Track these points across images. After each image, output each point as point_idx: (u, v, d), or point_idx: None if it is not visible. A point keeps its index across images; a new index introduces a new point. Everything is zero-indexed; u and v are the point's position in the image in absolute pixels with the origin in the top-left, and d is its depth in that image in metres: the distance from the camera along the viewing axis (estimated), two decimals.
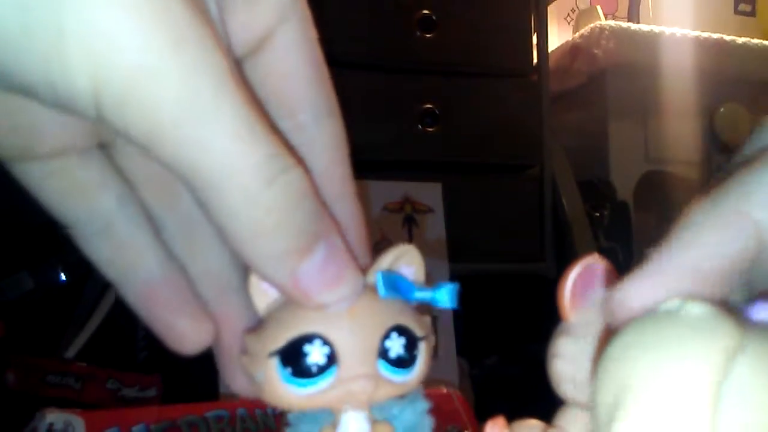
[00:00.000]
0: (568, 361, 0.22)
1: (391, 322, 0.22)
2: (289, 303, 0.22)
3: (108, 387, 0.64)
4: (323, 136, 0.24)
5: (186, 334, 0.23)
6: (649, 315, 0.15)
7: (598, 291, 0.22)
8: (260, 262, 0.20)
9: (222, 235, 0.19)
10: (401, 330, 0.23)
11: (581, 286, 0.23)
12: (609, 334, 0.16)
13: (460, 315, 0.89)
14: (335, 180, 0.24)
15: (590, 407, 0.15)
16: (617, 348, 0.15)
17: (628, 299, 0.17)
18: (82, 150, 0.21)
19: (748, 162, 0.17)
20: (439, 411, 0.50)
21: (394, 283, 0.23)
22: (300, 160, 0.20)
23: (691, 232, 0.17)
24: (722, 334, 0.14)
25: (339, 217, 0.23)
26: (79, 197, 0.22)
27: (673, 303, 0.15)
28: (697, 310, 0.15)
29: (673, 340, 0.14)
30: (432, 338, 0.24)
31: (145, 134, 0.17)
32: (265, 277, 0.21)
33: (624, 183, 1.06)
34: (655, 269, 0.17)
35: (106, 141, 0.22)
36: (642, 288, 0.17)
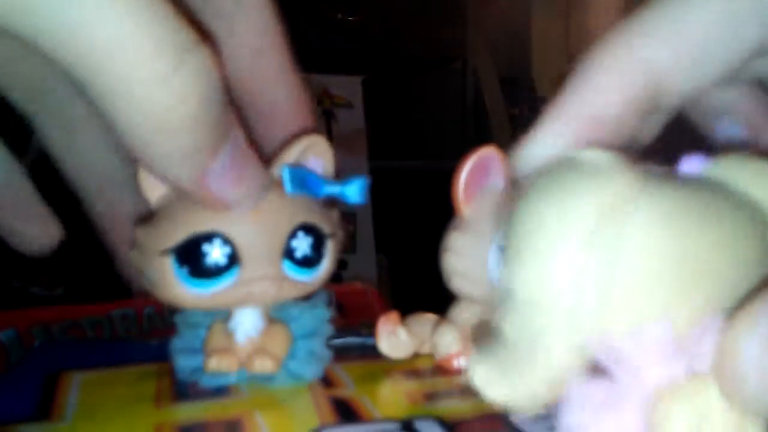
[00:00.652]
0: (459, 255, 0.23)
1: (297, 220, 0.21)
2: (184, 197, 0.20)
3: (12, 285, 0.61)
4: (247, 20, 0.22)
5: (31, 238, 0.22)
6: (546, 167, 0.15)
7: (493, 184, 0.22)
8: (162, 161, 0.17)
9: (116, 130, 0.17)
10: (308, 228, 0.22)
11: (475, 179, 0.23)
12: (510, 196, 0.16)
13: (380, 211, 0.89)
14: (264, 66, 0.22)
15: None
16: (518, 205, 0.15)
17: (529, 154, 0.17)
18: None
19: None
20: (354, 306, 0.50)
21: (301, 178, 0.22)
22: (209, 41, 0.17)
23: (586, 78, 0.16)
24: (613, 178, 0.14)
25: (274, 104, 0.22)
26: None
27: (571, 153, 0.15)
28: (590, 156, 0.14)
29: (557, 184, 0.14)
30: (340, 234, 0.23)
31: (29, 26, 0.15)
32: (163, 177, 0.19)
33: (544, 79, 1.06)
34: (553, 120, 0.17)
35: None
36: (542, 141, 0.17)
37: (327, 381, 0.23)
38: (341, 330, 0.28)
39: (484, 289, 0.22)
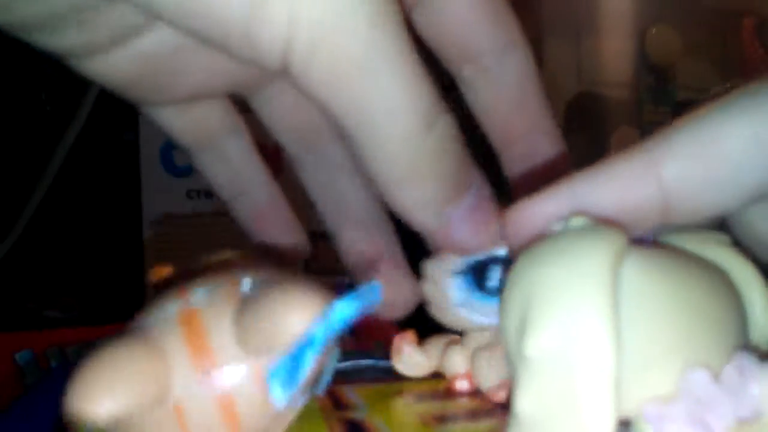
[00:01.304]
0: (431, 282, 0.23)
1: None
2: None
3: (27, 307, 0.62)
4: (508, 74, 0.24)
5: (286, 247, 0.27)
6: (542, 237, 0.16)
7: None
8: (411, 206, 0.20)
9: (374, 179, 0.19)
10: None
11: None
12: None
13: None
14: (525, 115, 0.24)
15: (500, 335, 0.15)
16: (515, 273, 0.15)
17: (517, 219, 0.18)
18: (215, 96, 0.24)
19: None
20: (367, 327, 0.51)
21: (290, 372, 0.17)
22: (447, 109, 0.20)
23: (598, 170, 0.17)
24: (603, 238, 0.14)
25: (531, 150, 0.24)
26: (199, 132, 0.25)
27: (559, 223, 0.16)
28: (579, 221, 0.15)
29: (562, 252, 0.14)
30: None
31: (323, 83, 0.17)
32: (412, 221, 0.21)
33: (556, 103, 1.06)
34: (554, 195, 0.17)
35: (248, 89, 0.24)
36: (533, 209, 0.17)
37: (339, 403, 0.23)
38: (354, 352, 0.28)
39: (452, 317, 0.23)
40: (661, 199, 0.16)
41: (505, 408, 0.22)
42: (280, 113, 0.26)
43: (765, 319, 0.15)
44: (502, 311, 0.15)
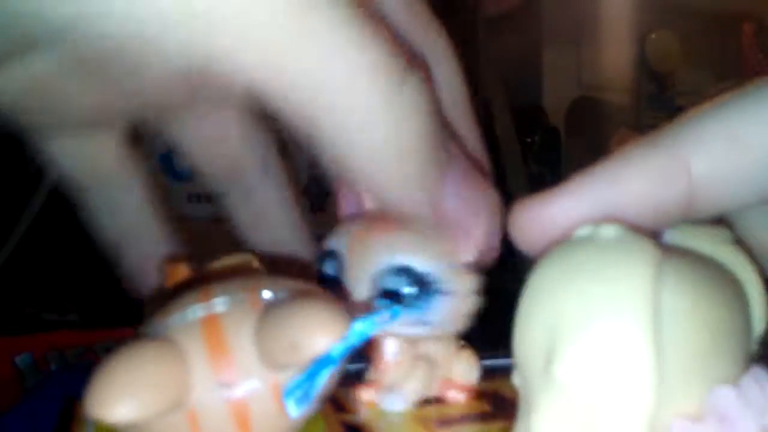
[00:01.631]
0: None
1: None
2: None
3: (27, 311, 0.61)
4: (443, 71, 0.24)
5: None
6: (565, 245, 0.14)
7: None
8: (400, 188, 0.18)
9: (345, 171, 0.17)
10: None
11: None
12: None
13: None
14: (457, 119, 0.24)
15: (516, 354, 0.14)
16: (538, 288, 0.14)
17: (528, 218, 0.16)
18: (111, 126, 0.22)
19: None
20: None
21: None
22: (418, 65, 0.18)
23: (621, 165, 0.16)
24: (644, 254, 0.13)
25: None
26: (90, 170, 0.23)
27: (586, 229, 0.15)
28: (612, 232, 0.14)
29: (599, 267, 0.13)
30: None
31: (257, 69, 0.16)
32: (403, 205, 0.18)
33: (556, 108, 1.07)
34: (572, 192, 0.16)
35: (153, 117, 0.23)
36: (550, 209, 0.16)
37: (340, 406, 0.23)
38: (355, 356, 0.28)
39: None
40: (688, 195, 0.15)
41: (502, 412, 0.22)
42: (200, 145, 0.24)
43: (759, 319, 0.15)
44: (520, 322, 0.14)
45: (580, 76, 1.08)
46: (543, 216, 0.16)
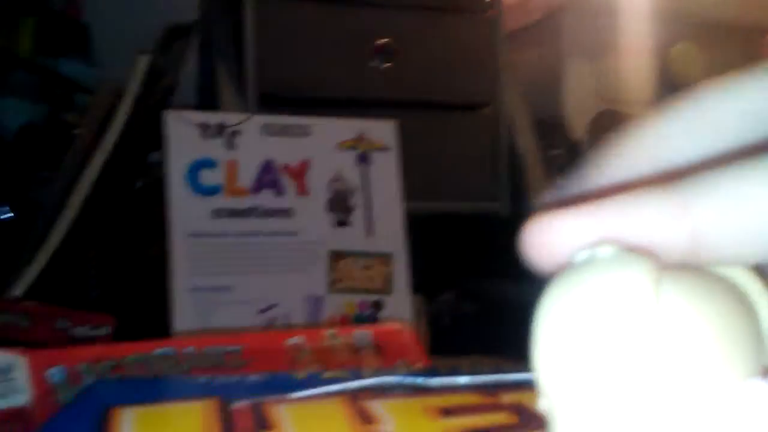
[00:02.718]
0: None
1: None
2: None
3: (58, 326, 0.63)
4: None
5: None
6: (566, 269, 0.15)
7: None
8: None
9: None
10: None
11: None
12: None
13: (415, 253, 0.90)
14: None
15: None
16: (543, 314, 0.14)
17: (538, 237, 0.16)
18: None
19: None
20: (391, 345, 0.51)
21: None
22: None
23: (630, 200, 0.16)
24: (643, 263, 0.14)
25: None
26: None
27: (584, 253, 0.15)
28: (608, 250, 0.14)
29: (596, 286, 0.14)
30: None
31: None
32: None
33: (578, 122, 1.07)
34: (578, 215, 0.16)
35: None
36: (558, 229, 0.16)
37: (367, 417, 0.23)
38: (381, 369, 0.29)
39: None
40: (690, 242, 0.15)
41: (528, 424, 0.22)
42: None
43: None
44: (533, 349, 0.14)
45: (602, 90, 1.08)
46: (549, 238, 0.16)
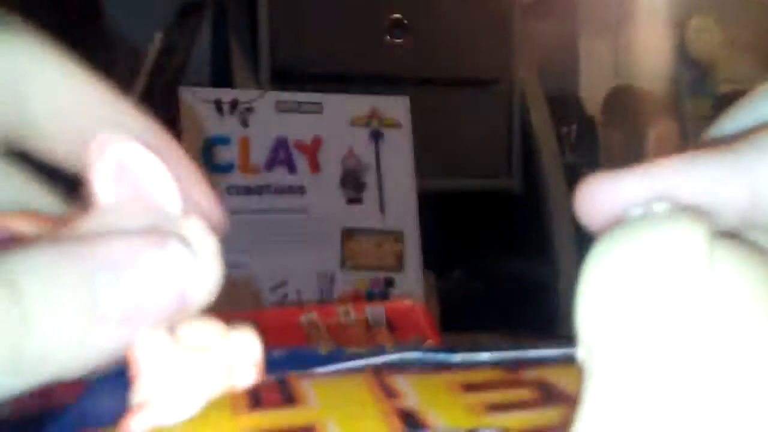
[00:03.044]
0: None
1: None
2: None
3: None
4: None
5: None
6: (620, 223, 0.15)
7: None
8: None
9: None
10: None
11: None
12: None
13: (427, 229, 0.90)
14: None
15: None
16: (595, 265, 0.14)
17: (593, 196, 0.16)
18: None
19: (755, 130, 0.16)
20: (403, 322, 0.51)
21: None
22: None
23: (687, 160, 0.16)
24: (697, 223, 0.14)
25: None
26: None
27: (638, 208, 0.15)
28: (663, 207, 0.14)
29: (651, 241, 0.14)
30: None
31: None
32: None
33: (593, 97, 1.06)
34: (635, 176, 0.16)
35: None
36: (613, 188, 0.16)
37: (391, 392, 0.23)
38: (399, 345, 0.29)
39: None
40: (749, 203, 0.15)
41: (552, 400, 0.22)
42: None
43: None
44: (579, 298, 0.14)
45: (618, 65, 1.07)
46: (606, 195, 0.16)
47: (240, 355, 0.19)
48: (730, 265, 0.13)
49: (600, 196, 0.16)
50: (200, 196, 0.18)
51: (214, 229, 0.17)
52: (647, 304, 0.13)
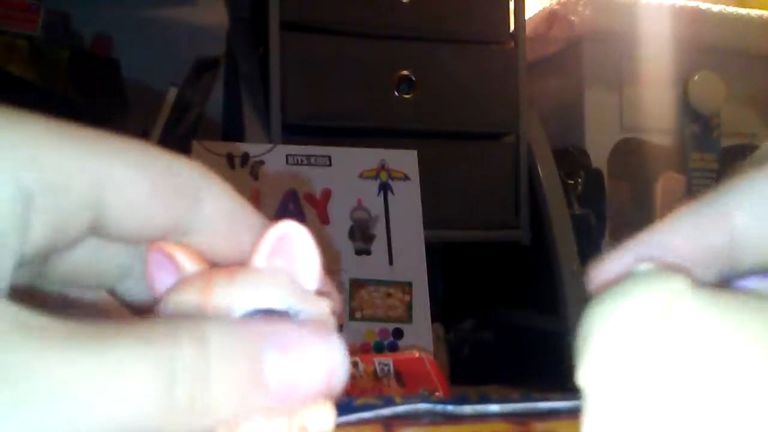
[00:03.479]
0: None
1: None
2: None
3: None
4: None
5: None
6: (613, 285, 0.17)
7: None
8: None
9: None
10: None
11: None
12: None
13: (435, 281, 0.90)
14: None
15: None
16: (587, 315, 0.16)
17: (600, 273, 0.19)
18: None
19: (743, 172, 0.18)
20: (412, 373, 0.51)
21: None
22: None
23: (670, 222, 0.18)
24: (664, 280, 0.16)
25: None
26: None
27: (627, 272, 0.17)
28: (644, 267, 0.17)
29: (623, 292, 0.16)
30: None
31: None
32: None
33: (598, 150, 1.07)
34: (632, 247, 0.18)
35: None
36: (613, 262, 0.18)
37: None
38: (409, 397, 0.29)
39: None
40: (730, 245, 0.17)
41: None
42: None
43: None
44: (578, 347, 0.16)
45: (622, 118, 1.09)
46: (608, 270, 0.18)
47: (315, 420, 0.20)
48: (694, 317, 0.15)
49: (603, 271, 0.19)
50: (329, 284, 0.20)
51: (335, 313, 0.19)
52: (620, 350, 0.15)
